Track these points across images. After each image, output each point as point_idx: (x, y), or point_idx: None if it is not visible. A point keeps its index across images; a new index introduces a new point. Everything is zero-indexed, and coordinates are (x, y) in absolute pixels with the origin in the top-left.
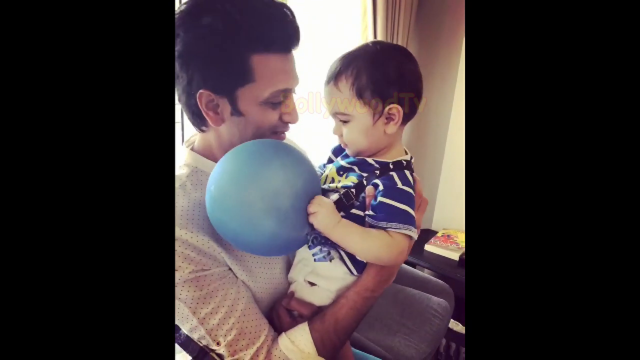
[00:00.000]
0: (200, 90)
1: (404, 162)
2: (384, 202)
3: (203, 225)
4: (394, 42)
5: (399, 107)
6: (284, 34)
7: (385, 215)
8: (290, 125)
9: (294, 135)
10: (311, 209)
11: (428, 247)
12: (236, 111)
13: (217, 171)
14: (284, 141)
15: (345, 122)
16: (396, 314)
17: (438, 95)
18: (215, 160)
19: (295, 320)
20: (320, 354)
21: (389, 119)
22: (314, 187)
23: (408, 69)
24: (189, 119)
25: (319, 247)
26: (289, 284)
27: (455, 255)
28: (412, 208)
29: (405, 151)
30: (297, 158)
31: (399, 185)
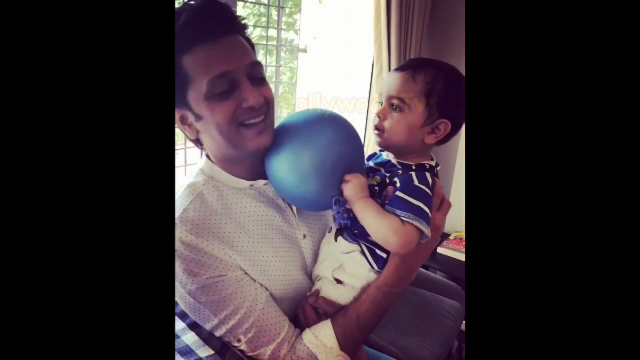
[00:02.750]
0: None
1: (427, 166)
2: (400, 196)
3: (218, 233)
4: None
5: (448, 125)
6: (202, 25)
7: (399, 206)
8: (256, 110)
9: None
10: (347, 177)
11: (441, 250)
12: (196, 116)
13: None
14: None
15: (397, 110)
16: (410, 316)
17: None
18: (224, 168)
19: (319, 317)
20: (342, 348)
21: (434, 130)
22: (359, 163)
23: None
24: None
25: (339, 209)
26: (310, 284)
27: (464, 256)
28: (427, 206)
29: (432, 157)
30: (354, 134)
31: (415, 182)
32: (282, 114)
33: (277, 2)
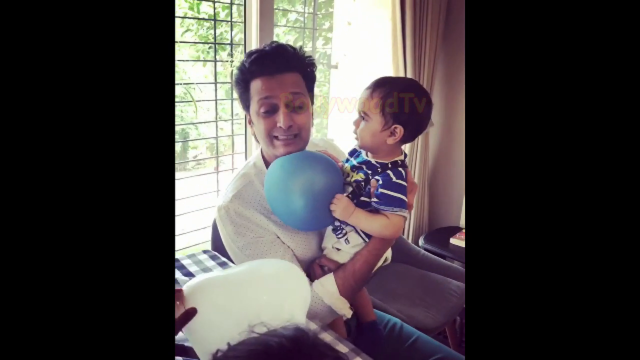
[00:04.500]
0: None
1: (399, 162)
2: (384, 192)
3: (261, 209)
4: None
5: (402, 130)
6: (264, 64)
7: (385, 202)
8: (284, 131)
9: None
10: (335, 200)
11: (453, 241)
12: (253, 123)
13: (275, 165)
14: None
15: (364, 119)
16: (419, 292)
17: (463, 100)
18: (265, 159)
19: (324, 273)
20: (341, 293)
21: (392, 133)
22: (337, 188)
23: (423, 113)
24: None
25: (337, 232)
26: (322, 250)
27: None
28: (405, 195)
29: (402, 152)
30: (328, 166)
31: (394, 179)
32: (322, 121)
33: (312, 25)
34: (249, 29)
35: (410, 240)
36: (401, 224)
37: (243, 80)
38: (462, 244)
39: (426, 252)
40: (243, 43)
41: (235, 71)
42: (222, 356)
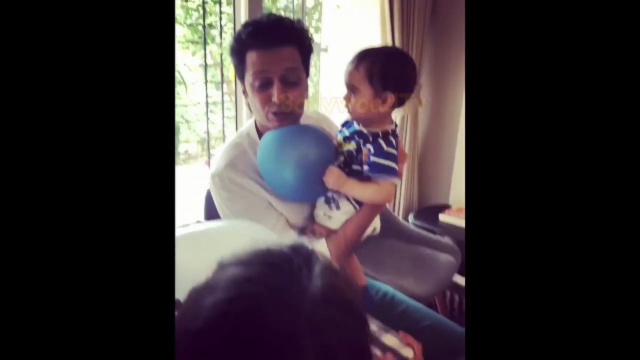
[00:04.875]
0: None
1: (390, 131)
2: (375, 161)
3: (253, 177)
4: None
5: (393, 96)
6: (260, 37)
7: (376, 170)
8: (277, 106)
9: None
10: (328, 171)
11: (442, 217)
12: (247, 94)
13: (268, 137)
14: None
15: (353, 92)
16: (409, 265)
17: (452, 82)
18: (259, 129)
19: (317, 239)
20: (332, 258)
21: (384, 100)
22: (329, 160)
23: (407, 73)
24: None
25: (329, 202)
26: (314, 217)
27: (463, 222)
28: (395, 163)
29: (392, 121)
30: (321, 138)
31: (385, 148)
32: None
33: (302, 9)
34: (238, 18)
35: (400, 218)
36: (392, 191)
37: (239, 51)
38: (452, 220)
39: (415, 228)
40: (233, 30)
41: (231, 41)
42: (226, 263)
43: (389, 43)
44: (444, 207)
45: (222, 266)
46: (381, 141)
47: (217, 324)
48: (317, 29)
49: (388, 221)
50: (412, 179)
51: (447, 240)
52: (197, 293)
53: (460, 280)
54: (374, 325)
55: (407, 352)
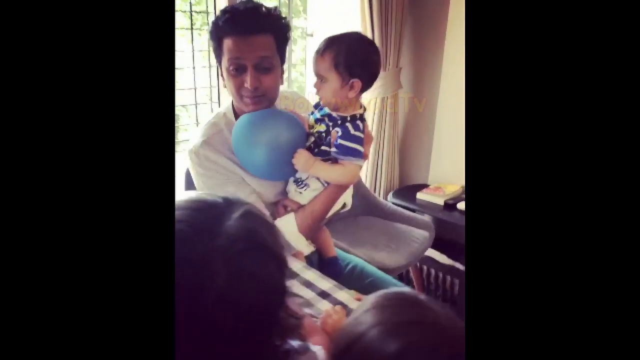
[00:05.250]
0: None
1: (358, 115)
2: (342, 143)
3: (227, 154)
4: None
5: (359, 82)
6: (236, 24)
7: (343, 152)
8: (250, 91)
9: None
10: (297, 154)
11: (419, 195)
12: (224, 78)
13: (242, 120)
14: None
15: (322, 81)
16: (384, 239)
17: (431, 65)
18: (235, 111)
19: (287, 212)
20: (300, 231)
21: (351, 87)
22: (299, 143)
23: (371, 58)
24: None
25: (298, 182)
26: (286, 193)
27: (440, 201)
28: (361, 146)
29: (361, 106)
30: (291, 123)
31: (352, 131)
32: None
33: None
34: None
35: (381, 197)
36: (356, 172)
37: (216, 36)
38: (428, 198)
39: (393, 205)
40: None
41: (210, 26)
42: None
43: (369, 28)
44: (423, 187)
45: None
46: (349, 125)
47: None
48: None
49: (367, 200)
50: (392, 160)
51: (422, 217)
52: None
53: (435, 254)
54: (328, 283)
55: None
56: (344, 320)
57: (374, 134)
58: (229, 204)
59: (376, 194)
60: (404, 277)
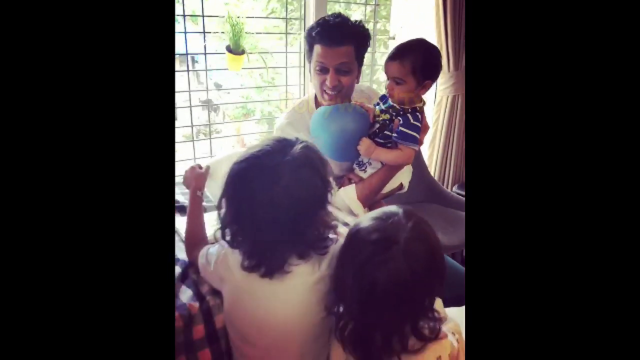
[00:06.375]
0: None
1: (418, 108)
2: (402, 130)
3: (305, 133)
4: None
5: (431, 82)
6: (324, 36)
7: (402, 137)
8: (330, 88)
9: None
10: (361, 142)
11: None
12: (310, 72)
13: (321, 110)
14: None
15: (399, 84)
16: (442, 222)
17: None
18: (317, 101)
19: (351, 183)
20: (358, 198)
21: (424, 87)
22: (363, 132)
23: (440, 63)
24: None
25: (360, 165)
26: (353, 168)
27: None
28: (418, 133)
29: (421, 100)
30: (360, 117)
31: (411, 121)
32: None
33: (374, 1)
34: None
35: (448, 188)
36: (412, 155)
37: (310, 43)
38: None
39: (457, 195)
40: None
41: (306, 31)
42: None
43: (442, 31)
44: None
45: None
46: (409, 115)
47: (232, 173)
48: (387, 18)
49: (433, 189)
50: (462, 154)
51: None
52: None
53: None
54: None
55: None
56: None
57: (444, 130)
58: (297, 140)
59: (443, 186)
60: (456, 257)
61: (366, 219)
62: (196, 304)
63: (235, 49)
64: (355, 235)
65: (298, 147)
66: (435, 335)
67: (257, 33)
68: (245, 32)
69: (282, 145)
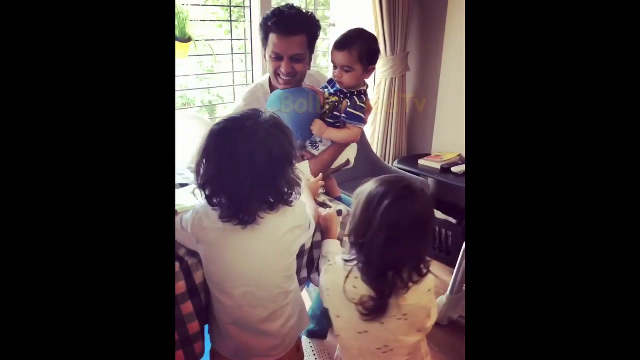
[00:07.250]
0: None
1: (362, 90)
2: (350, 111)
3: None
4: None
5: (374, 67)
6: (280, 26)
7: (350, 117)
8: (284, 74)
9: None
10: (311, 127)
11: (421, 161)
12: (265, 57)
13: (276, 93)
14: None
15: (347, 71)
16: None
17: (433, 49)
18: (271, 84)
19: (303, 160)
20: (312, 173)
21: (368, 72)
22: (315, 114)
23: (379, 49)
24: None
25: (313, 143)
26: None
27: (437, 165)
28: (363, 114)
29: (365, 83)
30: (312, 99)
31: (357, 102)
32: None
33: None
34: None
35: (389, 163)
36: (358, 133)
37: (264, 31)
38: (428, 163)
39: (397, 169)
40: (248, 4)
41: (261, 20)
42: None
43: (378, 18)
44: (426, 155)
45: None
46: (355, 98)
47: (212, 132)
48: (327, 5)
49: (375, 164)
50: (400, 131)
51: (420, 178)
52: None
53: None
54: (324, 198)
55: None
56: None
57: (384, 109)
58: (266, 110)
59: (385, 161)
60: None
61: (378, 180)
62: (176, 264)
63: (182, 37)
64: (377, 187)
65: (268, 113)
66: (428, 270)
67: (201, 20)
68: (190, 20)
69: (254, 111)
